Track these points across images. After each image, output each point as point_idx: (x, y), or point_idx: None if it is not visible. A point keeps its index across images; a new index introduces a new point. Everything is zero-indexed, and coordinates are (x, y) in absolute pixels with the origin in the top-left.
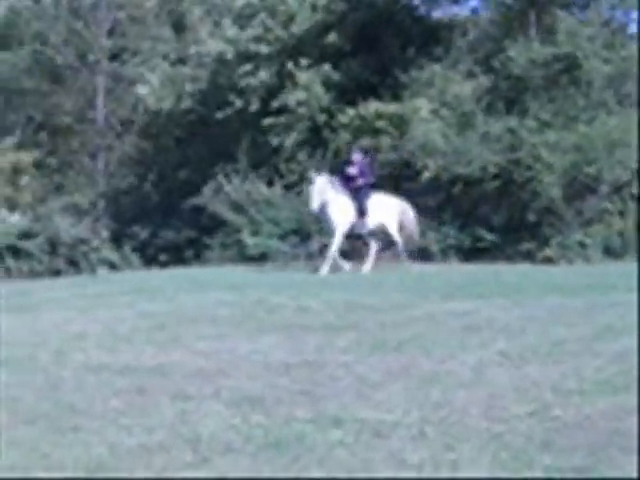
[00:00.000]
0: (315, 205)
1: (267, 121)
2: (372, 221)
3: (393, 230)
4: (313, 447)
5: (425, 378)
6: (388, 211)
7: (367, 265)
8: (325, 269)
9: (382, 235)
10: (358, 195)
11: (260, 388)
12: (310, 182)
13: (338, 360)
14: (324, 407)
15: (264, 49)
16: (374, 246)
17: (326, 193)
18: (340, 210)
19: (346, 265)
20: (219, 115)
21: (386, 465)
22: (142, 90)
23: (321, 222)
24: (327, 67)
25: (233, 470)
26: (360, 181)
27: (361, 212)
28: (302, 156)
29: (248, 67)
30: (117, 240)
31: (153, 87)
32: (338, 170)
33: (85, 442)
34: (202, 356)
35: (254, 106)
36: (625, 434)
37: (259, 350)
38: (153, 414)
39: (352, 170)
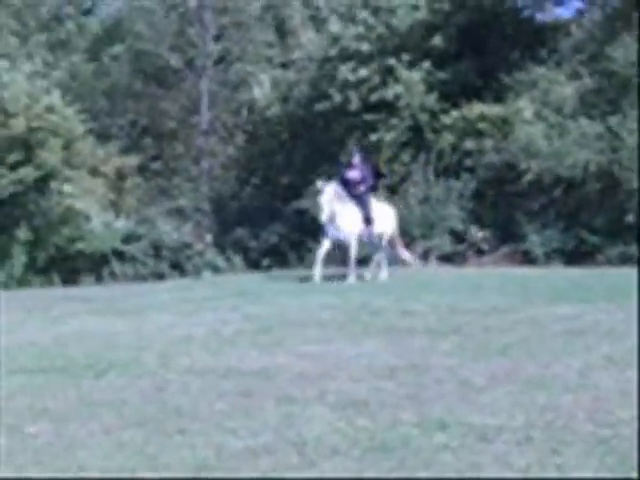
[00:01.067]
0: (325, 217)
1: (367, 117)
2: (377, 229)
3: (393, 238)
4: (418, 450)
5: (530, 382)
6: (388, 219)
7: (384, 273)
8: (352, 278)
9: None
10: (361, 202)
11: (365, 391)
12: (320, 192)
13: (442, 364)
14: (429, 411)
15: (366, 47)
16: (383, 254)
17: (334, 203)
18: (350, 220)
19: (367, 274)
20: (319, 107)
21: (492, 469)
22: (258, 94)
23: (424, 226)
24: (429, 65)
25: (339, 473)
26: (362, 187)
27: (367, 220)
28: (405, 157)
29: (350, 65)
30: (220, 244)
31: (264, 91)
32: (339, 174)
33: (191, 444)
34: (307, 359)
35: (354, 103)
36: None
37: (363, 353)
38: (258, 417)
39: (354, 174)
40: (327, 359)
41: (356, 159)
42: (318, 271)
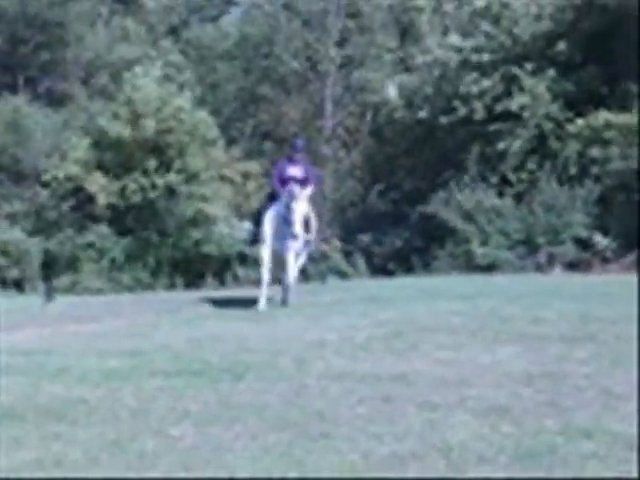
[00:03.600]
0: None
1: (493, 127)
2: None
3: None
4: (566, 459)
5: None
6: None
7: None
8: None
9: None
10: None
11: (505, 398)
12: (293, 197)
13: (580, 371)
14: (572, 418)
15: (486, 57)
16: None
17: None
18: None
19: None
20: (444, 120)
21: None
22: (390, 95)
23: (549, 233)
24: (553, 72)
25: None
26: (308, 188)
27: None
28: (531, 165)
29: (473, 75)
30: (344, 249)
31: (392, 95)
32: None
33: (337, 449)
34: (443, 365)
35: (479, 114)
36: None
37: (499, 360)
38: (401, 422)
39: (297, 172)
40: (463, 365)
41: (299, 153)
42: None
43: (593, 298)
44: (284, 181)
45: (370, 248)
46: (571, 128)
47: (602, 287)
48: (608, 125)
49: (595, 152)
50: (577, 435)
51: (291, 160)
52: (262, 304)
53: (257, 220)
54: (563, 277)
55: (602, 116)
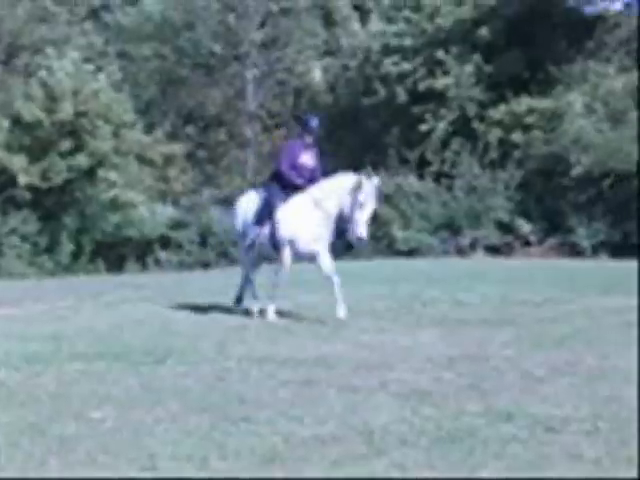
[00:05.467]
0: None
1: (416, 108)
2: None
3: None
4: (486, 441)
5: (591, 373)
6: None
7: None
8: None
9: None
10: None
11: (426, 381)
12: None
13: (500, 354)
14: (493, 401)
15: (408, 42)
16: None
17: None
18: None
19: None
20: (366, 102)
21: (562, 460)
22: (314, 78)
23: (471, 217)
24: (477, 57)
25: (408, 463)
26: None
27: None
28: (455, 145)
29: (394, 59)
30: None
31: (315, 79)
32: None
33: (258, 432)
34: (365, 348)
35: (401, 96)
36: None
37: (420, 343)
38: (322, 405)
39: (309, 160)
40: (385, 348)
41: (312, 134)
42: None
43: (514, 282)
44: (294, 168)
45: None
46: (494, 114)
47: (523, 271)
48: (530, 110)
49: (517, 137)
50: (497, 418)
51: (305, 144)
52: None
53: (266, 206)
54: (485, 261)
55: (525, 102)
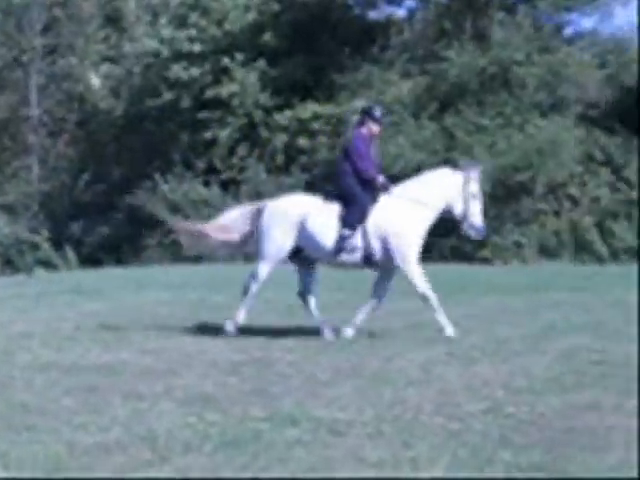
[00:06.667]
0: None
1: (202, 114)
2: None
3: None
4: (271, 445)
5: (375, 376)
6: None
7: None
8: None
9: None
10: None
11: (211, 387)
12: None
13: (285, 359)
14: (278, 405)
15: (197, 47)
16: None
17: None
18: None
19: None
20: (151, 104)
21: (346, 463)
22: (93, 84)
23: None
24: (262, 63)
25: (193, 469)
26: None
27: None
28: (241, 151)
29: (182, 64)
30: (53, 239)
31: (94, 85)
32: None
33: (41, 441)
34: (150, 355)
35: (186, 101)
36: (580, 432)
37: (205, 349)
38: (106, 413)
39: (374, 153)
40: (170, 355)
41: (379, 125)
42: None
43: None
44: (371, 164)
45: (80, 238)
46: (279, 119)
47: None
48: (316, 116)
49: (303, 142)
50: (282, 421)
51: (371, 135)
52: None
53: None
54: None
55: (310, 108)
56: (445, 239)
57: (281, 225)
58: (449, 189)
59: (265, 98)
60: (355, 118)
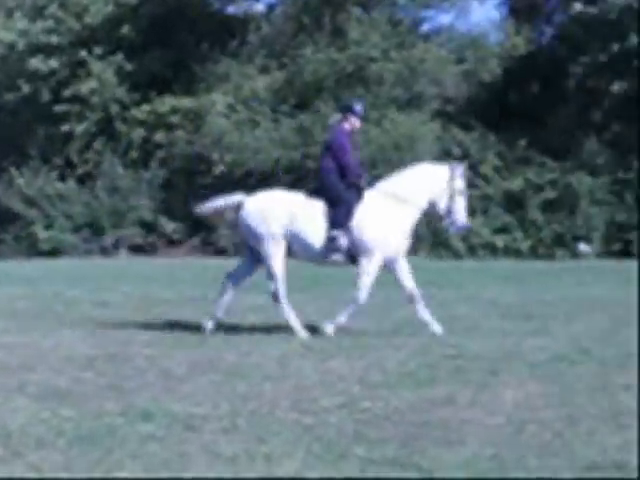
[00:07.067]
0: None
1: (59, 108)
2: None
3: None
4: (125, 440)
5: (231, 371)
6: None
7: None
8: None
9: None
10: None
11: (66, 382)
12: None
13: (142, 354)
14: (133, 400)
15: (54, 40)
16: None
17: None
18: None
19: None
20: (8, 97)
21: (200, 458)
22: None
23: (114, 216)
24: (120, 57)
25: (46, 464)
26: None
27: None
28: (97, 145)
29: (39, 57)
30: None
31: None
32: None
33: None
34: (4, 350)
35: (45, 95)
36: (433, 426)
37: (61, 344)
38: None
39: (354, 149)
40: (25, 350)
41: (358, 119)
42: None
43: (158, 281)
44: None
45: None
46: (137, 113)
47: (167, 269)
48: (173, 110)
49: (160, 137)
50: (136, 417)
51: (352, 131)
52: None
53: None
54: (128, 260)
55: (168, 101)
56: None
57: (266, 221)
58: (434, 185)
59: (122, 92)
60: (335, 116)
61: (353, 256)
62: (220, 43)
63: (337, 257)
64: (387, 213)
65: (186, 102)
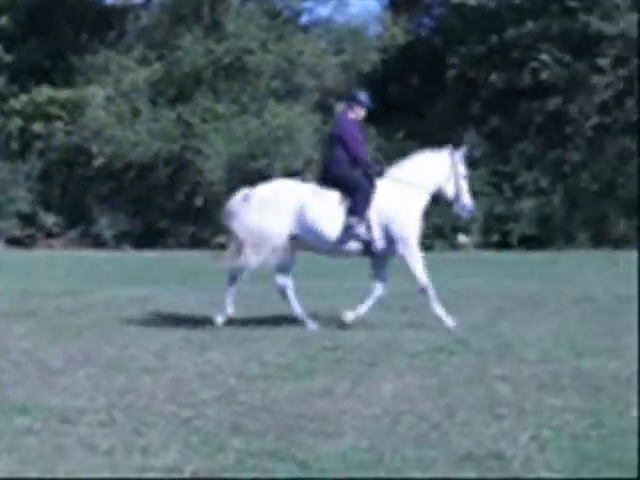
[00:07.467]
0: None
1: None
2: None
3: None
4: (1, 434)
5: (108, 364)
6: None
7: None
8: None
9: None
10: None
11: None
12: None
13: (18, 347)
14: (9, 394)
15: None
16: None
17: None
18: None
19: None
20: None
21: (77, 451)
22: None
23: None
24: None
25: None
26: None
27: None
28: None
29: None
30: None
31: None
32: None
33: None
34: None
35: None
36: (311, 417)
37: None
38: None
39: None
40: None
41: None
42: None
43: (35, 274)
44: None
45: None
46: (14, 103)
47: (45, 263)
48: (51, 101)
49: (38, 127)
50: (12, 410)
51: (356, 120)
52: None
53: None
54: (5, 253)
55: (45, 92)
56: (185, 227)
57: (274, 213)
58: (440, 171)
59: (1, 83)
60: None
61: (368, 245)
62: (99, 34)
63: (353, 246)
64: (408, 199)
65: (64, 93)
